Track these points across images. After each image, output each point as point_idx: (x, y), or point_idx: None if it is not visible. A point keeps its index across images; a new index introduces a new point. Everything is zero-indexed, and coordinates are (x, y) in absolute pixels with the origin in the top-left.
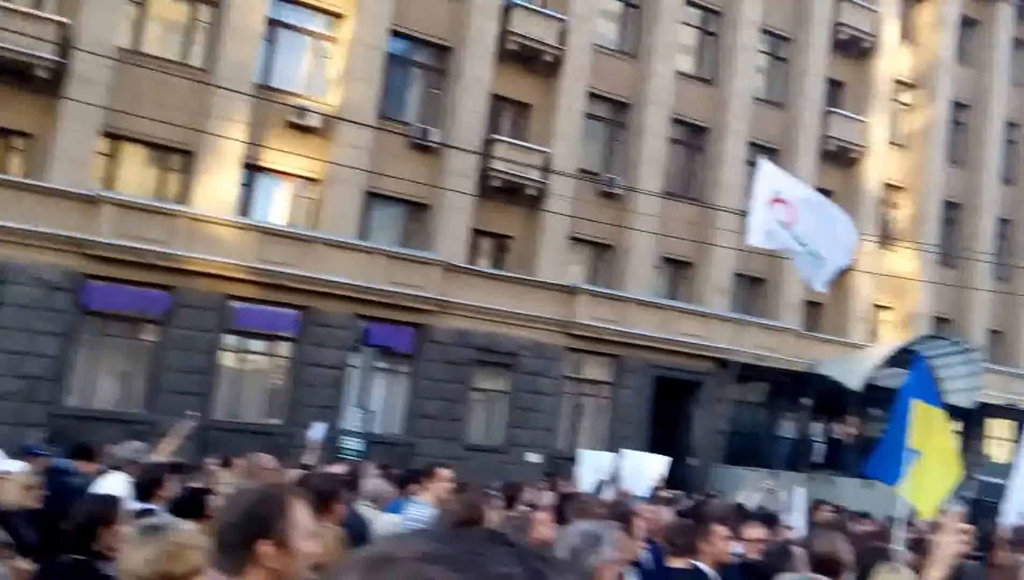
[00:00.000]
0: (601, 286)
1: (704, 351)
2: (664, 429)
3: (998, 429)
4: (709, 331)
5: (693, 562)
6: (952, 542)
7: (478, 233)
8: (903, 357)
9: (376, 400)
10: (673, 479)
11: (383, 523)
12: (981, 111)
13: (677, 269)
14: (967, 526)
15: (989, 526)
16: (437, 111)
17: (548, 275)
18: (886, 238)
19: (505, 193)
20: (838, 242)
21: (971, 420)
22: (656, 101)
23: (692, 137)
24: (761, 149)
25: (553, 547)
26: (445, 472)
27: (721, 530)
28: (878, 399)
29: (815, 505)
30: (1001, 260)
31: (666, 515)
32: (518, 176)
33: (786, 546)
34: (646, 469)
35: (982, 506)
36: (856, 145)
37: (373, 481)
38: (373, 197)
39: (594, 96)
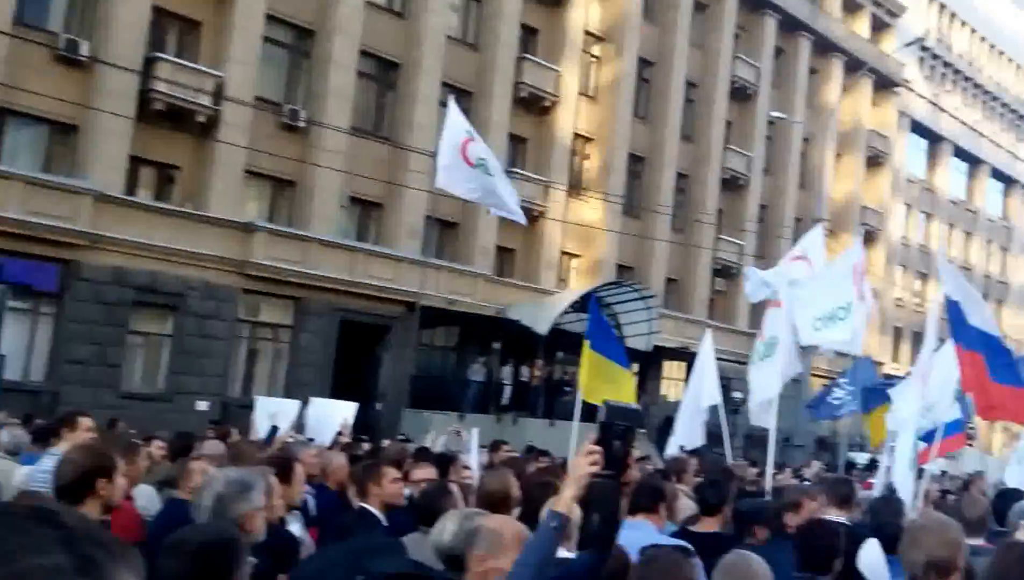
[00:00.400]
0: (282, 224)
1: (393, 295)
2: (350, 374)
3: (673, 370)
4: (398, 274)
5: (362, 504)
6: (584, 463)
7: (138, 161)
8: (588, 303)
9: (11, 344)
10: (361, 425)
11: (18, 477)
12: (664, 69)
13: (365, 209)
14: (597, 447)
15: (620, 447)
16: (88, 22)
17: (221, 211)
18: (576, 187)
19: (170, 118)
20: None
21: (649, 362)
22: (343, 30)
23: (382, 72)
24: (455, 90)
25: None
26: (86, 421)
27: (391, 472)
28: (564, 343)
29: (496, 445)
30: (679, 213)
31: (338, 461)
32: (185, 100)
33: (444, 484)
34: (333, 415)
35: (611, 429)
36: (549, 93)
37: (10, 431)
38: (7, 115)
39: (273, 19)
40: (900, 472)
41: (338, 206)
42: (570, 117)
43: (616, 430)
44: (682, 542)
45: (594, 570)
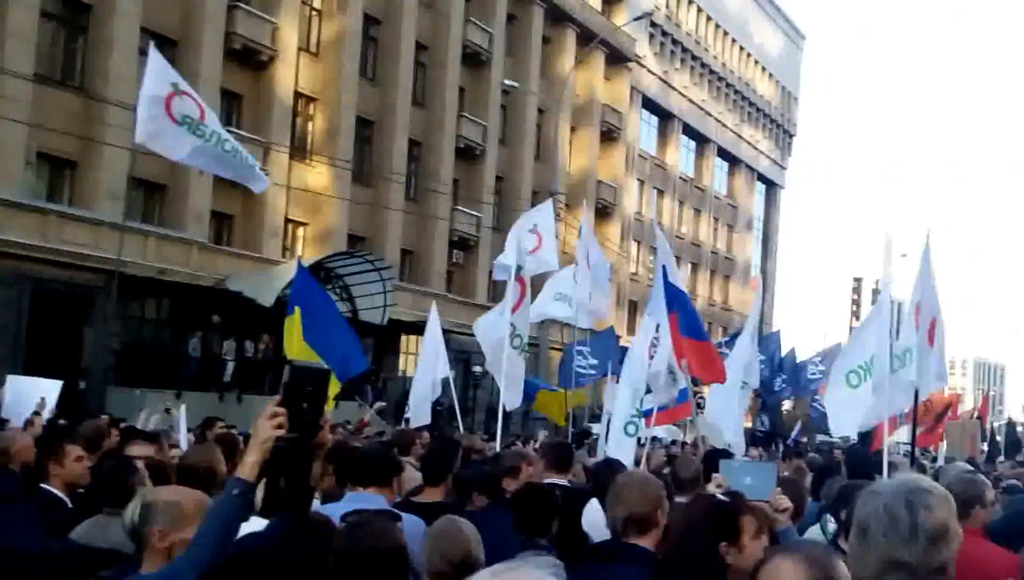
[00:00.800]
0: None
1: (93, 262)
2: (48, 349)
3: (411, 345)
4: (98, 240)
5: (44, 486)
6: (267, 426)
7: None
8: (317, 274)
9: None
10: (64, 404)
11: None
12: (393, 28)
13: (56, 167)
14: (280, 409)
15: (308, 409)
16: None
17: None
18: (300, 151)
19: None
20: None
21: (385, 336)
22: None
23: (72, 14)
24: (157, 38)
25: None
26: None
27: (74, 450)
28: None
29: (208, 422)
30: (413, 181)
31: (22, 441)
32: None
33: (128, 461)
34: (33, 394)
35: (296, 390)
36: (265, 47)
37: None
38: None
39: None
40: (615, 438)
41: (23, 163)
42: (290, 74)
43: (302, 391)
44: (391, 509)
45: (286, 536)
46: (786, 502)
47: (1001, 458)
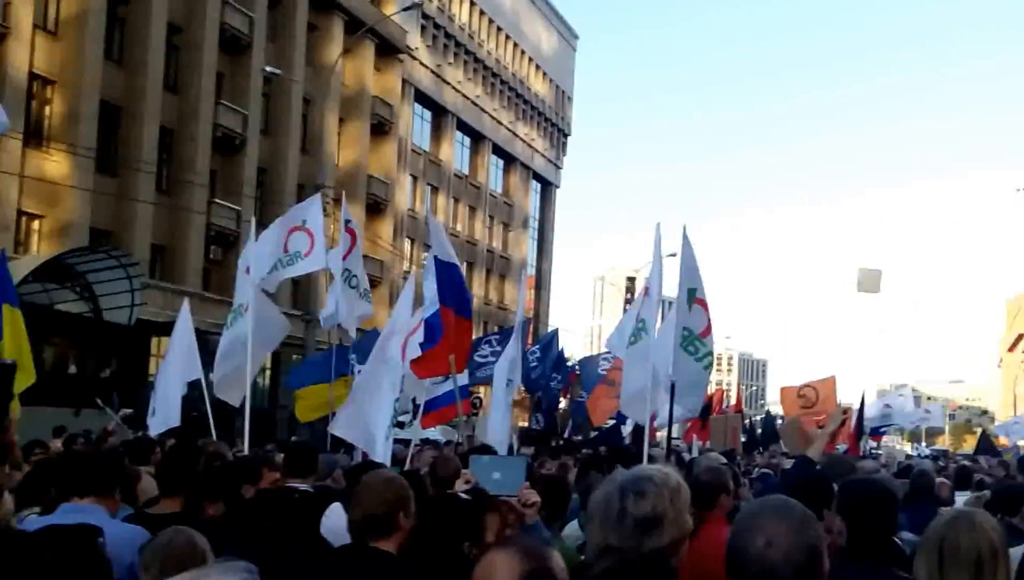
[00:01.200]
0: None
1: None
2: None
3: (163, 347)
4: None
5: None
6: None
7: None
8: (57, 270)
9: None
10: None
11: None
12: (141, 7)
13: None
14: None
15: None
16: None
17: None
18: (36, 137)
19: None
20: None
21: (133, 338)
22: None
23: None
24: None
25: None
26: None
27: None
28: (29, 317)
29: None
30: (165, 172)
31: None
32: None
33: None
34: None
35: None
36: None
37: None
38: None
39: None
40: (368, 438)
41: None
42: (24, 53)
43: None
44: (96, 524)
45: None
46: (534, 496)
47: (760, 449)
